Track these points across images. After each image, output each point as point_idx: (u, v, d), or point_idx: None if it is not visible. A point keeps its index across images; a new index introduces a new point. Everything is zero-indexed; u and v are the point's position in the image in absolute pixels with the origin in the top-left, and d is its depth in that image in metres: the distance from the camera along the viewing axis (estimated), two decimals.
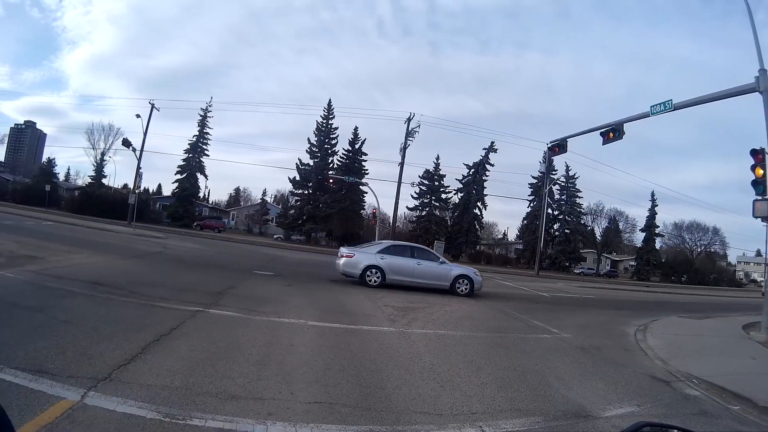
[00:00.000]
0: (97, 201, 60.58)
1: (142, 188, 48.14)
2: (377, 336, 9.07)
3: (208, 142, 68.31)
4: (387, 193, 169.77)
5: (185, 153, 67.71)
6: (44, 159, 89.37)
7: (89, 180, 76.20)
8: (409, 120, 51.53)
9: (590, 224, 76.88)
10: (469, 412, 5.26)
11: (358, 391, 5.63)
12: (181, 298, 10.56)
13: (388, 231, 57.93)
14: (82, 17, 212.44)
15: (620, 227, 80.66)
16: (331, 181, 57.21)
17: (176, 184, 68.36)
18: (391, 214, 57.67)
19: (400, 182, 52.93)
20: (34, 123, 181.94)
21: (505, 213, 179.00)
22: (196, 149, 67.46)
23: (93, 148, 74.67)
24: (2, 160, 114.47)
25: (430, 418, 5.01)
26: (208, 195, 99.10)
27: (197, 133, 67.69)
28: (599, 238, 77.86)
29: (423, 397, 5.62)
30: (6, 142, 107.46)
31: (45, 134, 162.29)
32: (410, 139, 51.38)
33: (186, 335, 7.37)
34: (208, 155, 68.34)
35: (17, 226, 26.56)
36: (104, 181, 74.69)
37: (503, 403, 5.78)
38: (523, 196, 71.45)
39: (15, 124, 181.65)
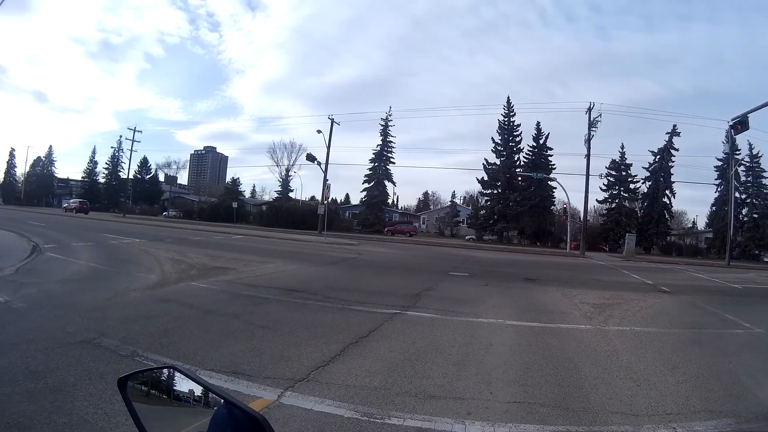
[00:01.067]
0: (285, 213, 66.01)
1: (330, 199, 51.10)
2: (574, 334, 9.03)
3: (393, 149, 71.84)
4: (575, 186, 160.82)
5: (371, 162, 71.93)
6: (228, 179, 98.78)
7: (276, 194, 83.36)
8: (590, 110, 48.67)
9: None
10: (664, 413, 5.10)
11: (557, 390, 5.65)
12: (378, 302, 11.01)
13: (579, 226, 55.36)
14: (246, 47, 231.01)
15: None
16: (519, 179, 56.69)
17: (364, 193, 72.51)
18: (581, 208, 55.31)
19: (588, 175, 50.18)
20: (214, 148, 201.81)
21: (693, 200, 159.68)
22: (381, 158, 71.12)
23: (277, 165, 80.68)
24: (185, 183, 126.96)
25: (626, 418, 4.93)
26: (397, 201, 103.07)
27: (380, 143, 71.42)
28: None
29: (619, 397, 5.55)
30: (187, 167, 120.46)
31: (226, 157, 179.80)
32: (593, 129, 48.47)
33: (384, 337, 7.74)
34: (393, 162, 71.94)
35: (206, 241, 28.43)
36: (291, 194, 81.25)
37: (697, 403, 5.52)
38: (709, 180, 64.02)
39: (195, 151, 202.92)
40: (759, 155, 60.83)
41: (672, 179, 61.21)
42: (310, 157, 50.80)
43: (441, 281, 15.96)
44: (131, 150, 75.21)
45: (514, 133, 64.63)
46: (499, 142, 64.61)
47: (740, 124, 23.54)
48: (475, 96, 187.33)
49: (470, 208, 78.11)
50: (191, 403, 1.35)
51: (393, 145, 71.60)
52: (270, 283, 13.13)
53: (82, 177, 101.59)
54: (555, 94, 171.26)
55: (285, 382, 5.29)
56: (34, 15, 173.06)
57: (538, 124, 64.75)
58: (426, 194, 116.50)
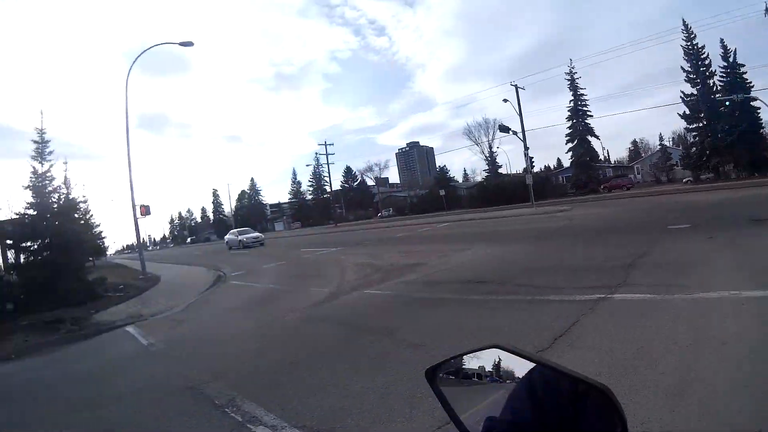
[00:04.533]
0: (495, 190, 65.36)
1: (540, 166, 49.25)
2: None
3: (586, 103, 67.19)
4: None
5: (568, 120, 67.60)
6: (437, 168, 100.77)
7: (485, 174, 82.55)
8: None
9: None
10: None
11: None
12: (580, 283, 8.72)
13: None
14: (417, 42, 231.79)
15: None
16: (722, 108, 50.31)
17: (569, 153, 69.19)
18: None
19: None
20: (417, 142, 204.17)
21: None
22: (577, 113, 67.05)
23: (477, 144, 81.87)
24: (397, 181, 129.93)
25: None
26: (608, 156, 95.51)
27: (572, 98, 66.93)
28: None
29: None
30: (389, 167, 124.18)
31: (431, 148, 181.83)
32: None
33: (576, 342, 5.67)
34: (591, 116, 67.25)
35: (409, 236, 27.46)
36: (501, 171, 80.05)
37: None
38: None
39: (399, 149, 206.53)
40: None
41: None
42: (503, 128, 49.00)
43: (658, 240, 12.80)
44: (327, 163, 78.77)
45: (701, 56, 55.88)
46: (689, 69, 56.30)
47: None
48: (655, 30, 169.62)
49: (680, 148, 70.87)
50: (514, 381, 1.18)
51: (585, 98, 67.07)
52: (457, 276, 11.61)
53: (289, 198, 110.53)
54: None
55: None
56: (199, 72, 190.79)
57: (721, 40, 55.39)
58: (635, 143, 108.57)
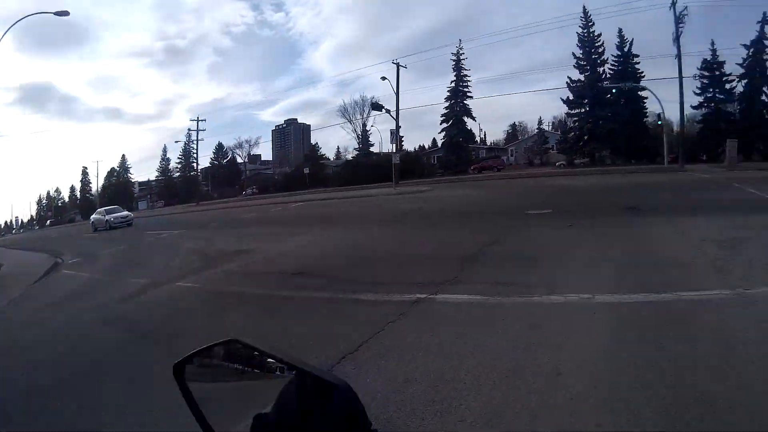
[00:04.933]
0: (363, 170, 63.73)
1: (416, 146, 48.77)
2: (706, 312, 5.06)
3: (468, 84, 67.42)
4: (666, 97, 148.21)
5: (446, 101, 67.64)
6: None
7: (356, 153, 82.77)
8: (674, 3, 43.23)
9: None
10: None
11: None
12: (407, 278, 7.92)
13: (674, 138, 49.18)
14: (315, 18, 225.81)
15: None
16: (608, 94, 52.58)
17: (443, 134, 68.95)
18: (674, 118, 48.99)
19: (681, 77, 43.60)
20: (296, 119, 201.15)
21: None
22: (457, 94, 66.99)
23: (350, 122, 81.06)
24: (270, 158, 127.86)
25: None
26: (485, 137, 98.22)
27: (454, 79, 67.02)
28: None
29: None
30: (259, 143, 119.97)
31: (308, 125, 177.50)
32: (681, 25, 43.32)
33: (364, 364, 4.53)
34: (471, 97, 67.43)
35: (257, 217, 26.70)
36: (374, 150, 79.98)
37: None
38: None
39: (276, 126, 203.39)
40: None
41: None
42: (376, 106, 49.43)
43: (514, 227, 12.37)
44: (197, 139, 76.85)
45: (596, 44, 58.29)
46: (581, 56, 58.63)
47: None
48: (555, 19, 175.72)
49: (559, 132, 73.42)
50: (256, 376, 1.17)
51: (468, 79, 67.16)
52: (280, 265, 10.97)
53: (156, 176, 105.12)
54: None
55: None
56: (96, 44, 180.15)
57: (620, 31, 57.57)
58: (513, 126, 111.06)
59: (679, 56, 42.62)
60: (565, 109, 62.50)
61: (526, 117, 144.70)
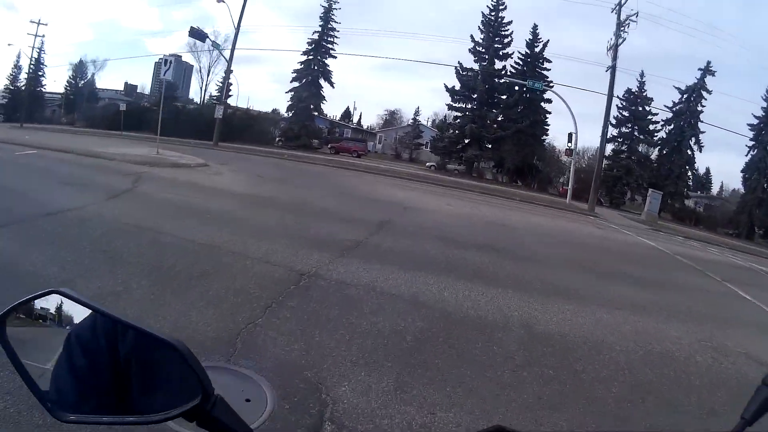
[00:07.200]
0: (185, 119, 49.20)
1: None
2: None
3: (335, 39, 52.13)
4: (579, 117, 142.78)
5: (303, 55, 52.02)
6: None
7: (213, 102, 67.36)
8: (619, 6, 32.24)
9: None
10: None
11: None
12: None
13: (585, 166, 42.84)
14: None
15: None
16: (504, 95, 44.87)
17: (291, 94, 52.94)
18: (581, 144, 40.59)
19: (610, 95, 33.15)
20: (180, 56, 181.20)
21: (720, 163, 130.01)
22: (320, 49, 51.46)
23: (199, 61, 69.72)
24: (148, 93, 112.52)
25: None
26: (360, 118, 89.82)
27: (319, 30, 51.52)
28: None
29: None
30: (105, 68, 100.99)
31: (191, 66, 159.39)
32: (623, 33, 31.58)
33: None
34: (334, 57, 52.46)
35: None
36: (230, 101, 64.89)
37: None
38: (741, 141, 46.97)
39: (159, 59, 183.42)
40: None
41: (700, 129, 46.41)
42: (196, 33, 36.99)
43: None
44: (32, 47, 60.14)
45: (502, 33, 48.18)
46: (481, 40, 47.95)
47: None
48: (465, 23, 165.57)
49: (435, 130, 63.02)
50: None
51: (335, 34, 51.90)
52: None
53: (4, 87, 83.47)
54: None
55: None
56: None
57: (534, 27, 48.69)
58: (392, 113, 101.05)
59: (613, 69, 32.76)
60: (448, 99, 50.46)
61: (412, 108, 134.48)
